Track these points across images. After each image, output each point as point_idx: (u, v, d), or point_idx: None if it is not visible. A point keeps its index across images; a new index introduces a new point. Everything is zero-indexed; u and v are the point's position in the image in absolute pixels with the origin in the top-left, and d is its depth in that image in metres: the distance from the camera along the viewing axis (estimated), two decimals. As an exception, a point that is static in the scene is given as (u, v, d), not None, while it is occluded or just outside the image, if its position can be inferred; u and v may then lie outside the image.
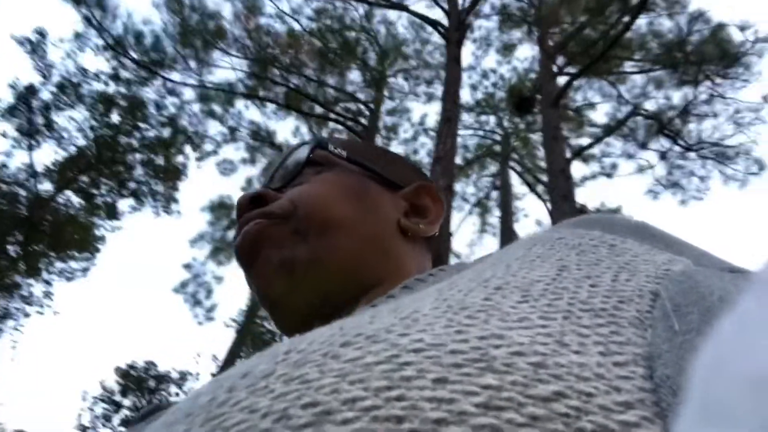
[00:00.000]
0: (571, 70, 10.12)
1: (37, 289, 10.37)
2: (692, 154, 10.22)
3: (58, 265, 10.72)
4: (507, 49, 12.49)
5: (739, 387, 0.11)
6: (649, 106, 10.44)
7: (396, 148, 12.05)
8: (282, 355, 0.25)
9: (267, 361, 0.25)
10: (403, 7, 10.24)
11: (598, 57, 8.73)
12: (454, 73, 8.39)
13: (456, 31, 8.99)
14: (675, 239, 0.37)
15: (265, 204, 0.54)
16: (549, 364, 0.22)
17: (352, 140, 0.63)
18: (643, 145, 10.37)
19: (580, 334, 0.25)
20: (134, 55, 10.07)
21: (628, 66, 10.77)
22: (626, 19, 8.38)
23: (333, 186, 0.54)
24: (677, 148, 10.07)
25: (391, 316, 0.27)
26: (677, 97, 10.28)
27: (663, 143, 10.27)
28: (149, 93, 11.34)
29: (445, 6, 9.49)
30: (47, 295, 10.46)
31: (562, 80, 9.90)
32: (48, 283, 10.49)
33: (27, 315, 10.24)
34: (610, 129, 9.88)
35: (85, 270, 10.97)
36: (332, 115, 10.53)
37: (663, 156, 10.15)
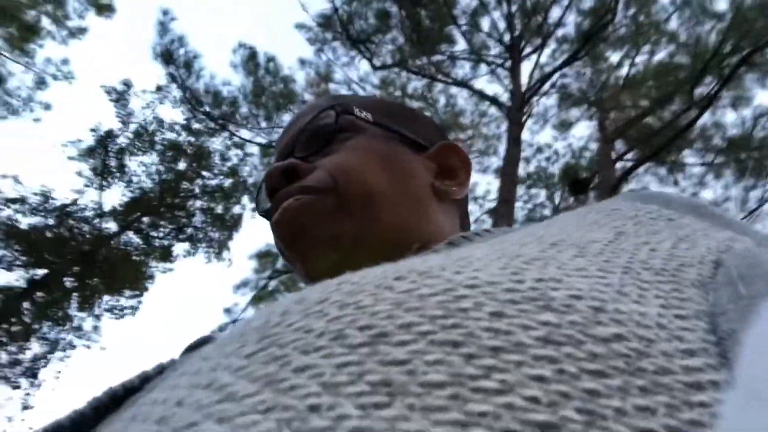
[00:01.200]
0: (631, 155, 10.16)
1: (87, 323, 10.71)
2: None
3: (109, 301, 11.08)
4: (564, 126, 12.61)
5: None
6: (707, 194, 10.30)
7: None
8: (335, 286, 0.25)
9: (320, 290, 0.26)
10: (466, 85, 10.55)
11: (659, 149, 8.74)
12: (514, 153, 8.53)
13: (518, 111, 9.19)
14: (735, 221, 0.36)
15: (297, 177, 0.52)
16: (609, 309, 0.22)
17: (373, 99, 0.61)
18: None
19: (640, 287, 0.24)
20: (208, 109, 10.63)
21: (688, 154, 10.69)
22: (692, 113, 8.42)
23: (368, 154, 0.52)
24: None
25: (444, 258, 0.27)
26: (736, 189, 10.12)
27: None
28: (216, 144, 11.90)
29: (508, 83, 9.75)
30: (96, 329, 10.78)
31: (619, 164, 9.94)
32: (98, 317, 10.83)
33: (74, 347, 10.54)
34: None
35: (134, 309, 11.28)
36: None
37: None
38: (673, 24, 10.25)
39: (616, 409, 0.18)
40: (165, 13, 9.87)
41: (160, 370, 0.32)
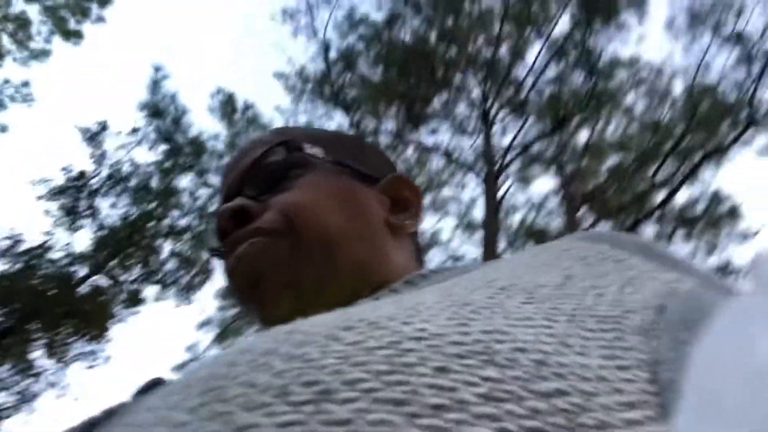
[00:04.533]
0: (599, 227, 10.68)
1: (56, 371, 10.42)
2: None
3: (78, 346, 10.80)
4: (525, 182, 13.10)
5: (736, 382, 0.11)
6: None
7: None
8: (284, 335, 0.25)
9: (268, 340, 0.25)
10: (448, 154, 10.92)
11: (629, 227, 9.30)
12: (493, 226, 8.89)
13: (494, 182, 9.60)
14: (682, 261, 0.36)
15: (249, 218, 0.50)
16: (551, 363, 0.22)
17: (323, 133, 0.60)
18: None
19: (583, 337, 0.24)
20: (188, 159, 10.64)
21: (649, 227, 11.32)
22: (659, 195, 9.01)
23: (322, 192, 0.51)
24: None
25: (393, 306, 0.27)
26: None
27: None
28: (184, 182, 11.88)
29: (484, 153, 10.14)
30: (64, 377, 10.48)
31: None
32: (66, 364, 10.55)
33: (36, 395, 10.22)
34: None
35: (103, 356, 11.02)
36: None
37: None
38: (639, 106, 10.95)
39: None
40: (158, 69, 9.88)
41: (108, 415, 0.31)
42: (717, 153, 8.51)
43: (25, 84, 11.78)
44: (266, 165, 0.53)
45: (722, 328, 0.12)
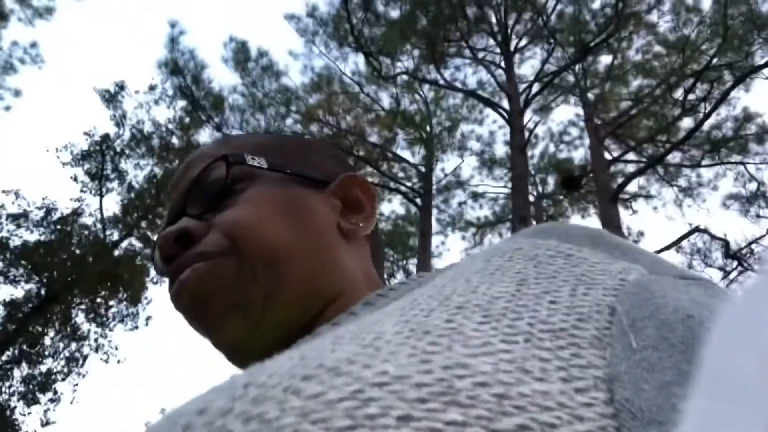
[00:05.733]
0: (627, 156, 10.52)
1: (100, 335, 10.80)
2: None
3: (117, 311, 11.14)
4: (544, 111, 12.82)
5: (749, 361, 0.11)
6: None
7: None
8: (240, 389, 0.24)
9: (225, 396, 0.24)
10: (472, 93, 10.69)
11: (659, 157, 9.13)
12: (521, 165, 8.66)
13: (520, 117, 9.37)
14: (629, 246, 0.37)
15: (192, 241, 0.49)
16: (512, 395, 0.23)
17: (265, 140, 0.58)
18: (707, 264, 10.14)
19: (541, 358, 0.25)
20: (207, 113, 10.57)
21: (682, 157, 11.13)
22: (687, 121, 8.73)
23: (265, 205, 0.50)
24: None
25: (353, 343, 0.27)
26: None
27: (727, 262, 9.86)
28: (204, 137, 11.87)
29: (507, 88, 9.88)
30: (109, 341, 10.88)
31: (615, 168, 10.25)
32: (109, 328, 10.92)
33: (86, 357, 10.65)
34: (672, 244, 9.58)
35: (140, 317, 11.35)
36: (392, 185, 10.97)
37: (726, 275, 9.67)
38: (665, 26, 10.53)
39: None
40: (173, 25, 9.67)
41: None
42: (750, 74, 8.19)
43: (33, 45, 11.66)
44: (208, 183, 0.52)
45: (735, 313, 0.12)
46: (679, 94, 9.66)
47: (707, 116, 8.27)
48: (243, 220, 0.48)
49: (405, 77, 10.43)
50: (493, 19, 10.43)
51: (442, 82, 10.55)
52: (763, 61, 8.05)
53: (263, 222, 0.49)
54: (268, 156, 0.54)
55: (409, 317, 0.29)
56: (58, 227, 10.55)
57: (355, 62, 12.18)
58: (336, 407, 0.22)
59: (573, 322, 0.28)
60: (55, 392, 9.98)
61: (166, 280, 0.51)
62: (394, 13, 10.08)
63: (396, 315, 0.30)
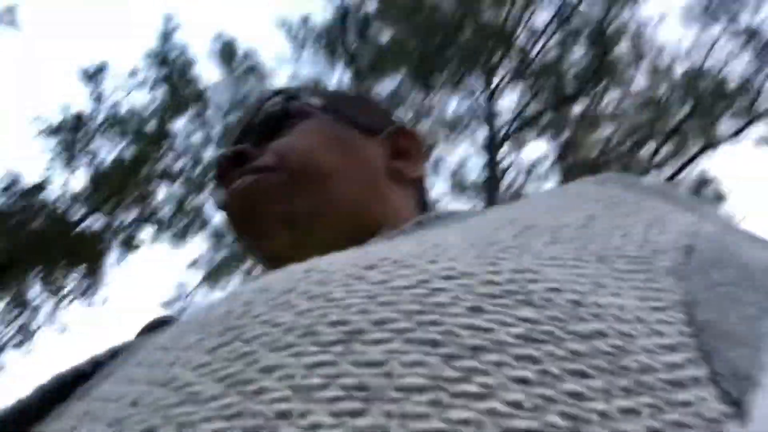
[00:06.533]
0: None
1: (50, 305, 10.57)
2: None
3: (70, 282, 10.93)
4: (519, 146, 13.09)
5: None
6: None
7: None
8: (302, 273, 0.24)
9: (285, 278, 0.24)
10: (450, 121, 10.88)
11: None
12: (494, 194, 8.98)
13: (497, 149, 9.69)
14: (699, 204, 0.35)
15: (247, 160, 0.51)
16: (588, 303, 0.21)
17: (323, 88, 0.76)
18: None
19: (615, 277, 0.24)
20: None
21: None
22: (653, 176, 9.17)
23: (316, 136, 0.52)
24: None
25: (414, 245, 0.26)
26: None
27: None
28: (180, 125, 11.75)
29: (487, 119, 10.18)
30: (57, 311, 10.65)
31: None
32: (61, 299, 10.71)
33: (33, 332, 10.41)
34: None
35: (104, 298, 11.16)
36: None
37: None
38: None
39: (601, 413, 0.17)
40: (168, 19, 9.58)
41: (113, 354, 0.29)
42: (716, 144, 8.74)
43: (11, 10, 11.30)
44: (265, 115, 0.55)
45: None
46: (647, 150, 10.12)
47: (673, 176, 8.75)
48: (293, 144, 0.52)
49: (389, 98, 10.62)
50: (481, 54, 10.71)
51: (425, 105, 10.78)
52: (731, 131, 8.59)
53: (313, 148, 0.51)
54: (324, 99, 0.57)
55: (473, 232, 0.28)
56: (22, 199, 10.31)
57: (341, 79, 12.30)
58: (404, 293, 0.21)
59: (648, 252, 0.26)
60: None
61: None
62: (385, 38, 10.27)
63: (457, 230, 0.29)
